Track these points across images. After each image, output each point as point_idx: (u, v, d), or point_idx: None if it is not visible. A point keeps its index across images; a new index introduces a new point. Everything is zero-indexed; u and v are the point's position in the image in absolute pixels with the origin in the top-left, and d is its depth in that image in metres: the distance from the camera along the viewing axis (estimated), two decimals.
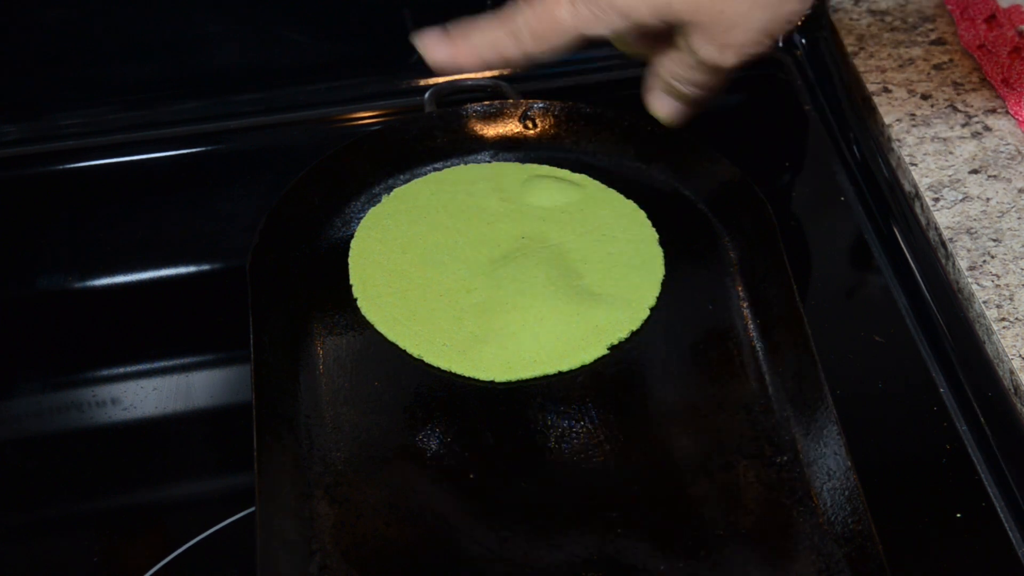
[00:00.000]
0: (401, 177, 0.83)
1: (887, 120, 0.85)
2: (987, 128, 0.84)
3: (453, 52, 0.67)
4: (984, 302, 0.73)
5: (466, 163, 0.84)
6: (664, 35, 0.65)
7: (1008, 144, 0.83)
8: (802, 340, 0.70)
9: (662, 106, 0.70)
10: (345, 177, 0.82)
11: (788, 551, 0.64)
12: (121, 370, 0.77)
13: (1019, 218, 0.78)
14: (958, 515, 0.67)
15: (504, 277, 0.76)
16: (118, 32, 0.90)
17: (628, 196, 0.82)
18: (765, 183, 0.85)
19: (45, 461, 0.73)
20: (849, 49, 0.90)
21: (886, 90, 0.87)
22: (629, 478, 0.67)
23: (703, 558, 0.64)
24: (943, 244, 0.78)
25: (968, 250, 0.76)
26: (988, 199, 0.79)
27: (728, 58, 0.64)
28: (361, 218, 0.81)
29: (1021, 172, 0.81)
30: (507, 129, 0.85)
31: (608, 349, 0.73)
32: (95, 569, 0.67)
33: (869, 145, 0.87)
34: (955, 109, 0.85)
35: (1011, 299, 0.73)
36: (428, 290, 0.76)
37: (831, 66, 0.92)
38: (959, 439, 0.71)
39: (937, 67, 0.89)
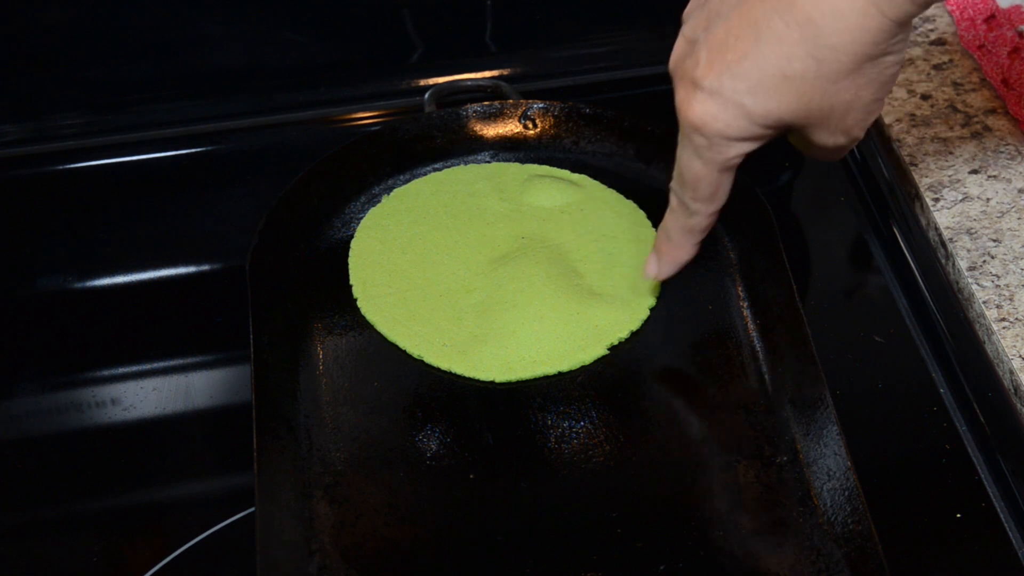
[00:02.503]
0: (401, 177, 0.83)
1: (887, 120, 0.85)
2: (987, 128, 0.84)
3: (671, 258, 0.71)
4: (984, 302, 0.73)
5: (466, 163, 0.84)
6: None
7: (1008, 144, 0.83)
8: (802, 340, 0.70)
9: None
10: (345, 177, 0.82)
11: (788, 551, 0.64)
12: (121, 370, 0.77)
13: (1019, 218, 0.78)
14: (958, 515, 0.67)
15: (504, 277, 0.76)
16: (118, 32, 0.90)
17: (628, 196, 0.82)
18: (765, 183, 0.85)
19: (45, 461, 0.73)
20: None
21: None
22: (629, 478, 0.67)
23: (703, 558, 0.64)
24: (943, 244, 0.78)
25: (968, 250, 0.76)
26: (988, 199, 0.79)
27: (855, 133, 0.65)
28: (361, 218, 0.81)
29: (1021, 172, 0.81)
30: (507, 129, 0.85)
31: (608, 349, 0.73)
32: (95, 569, 0.67)
33: (869, 145, 0.86)
34: (955, 109, 0.85)
35: (1011, 299, 0.73)
36: (428, 290, 0.76)
37: None
38: (959, 439, 0.71)
39: (937, 67, 0.89)
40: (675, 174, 0.67)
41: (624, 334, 0.74)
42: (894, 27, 0.59)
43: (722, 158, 0.64)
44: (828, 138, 0.64)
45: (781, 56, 0.60)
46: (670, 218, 0.69)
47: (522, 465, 0.68)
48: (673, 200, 0.68)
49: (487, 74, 0.93)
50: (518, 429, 0.70)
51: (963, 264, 0.76)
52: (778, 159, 0.89)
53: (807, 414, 0.68)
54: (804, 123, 0.63)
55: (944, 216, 0.78)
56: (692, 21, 0.64)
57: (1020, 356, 0.70)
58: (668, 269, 0.71)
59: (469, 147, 0.85)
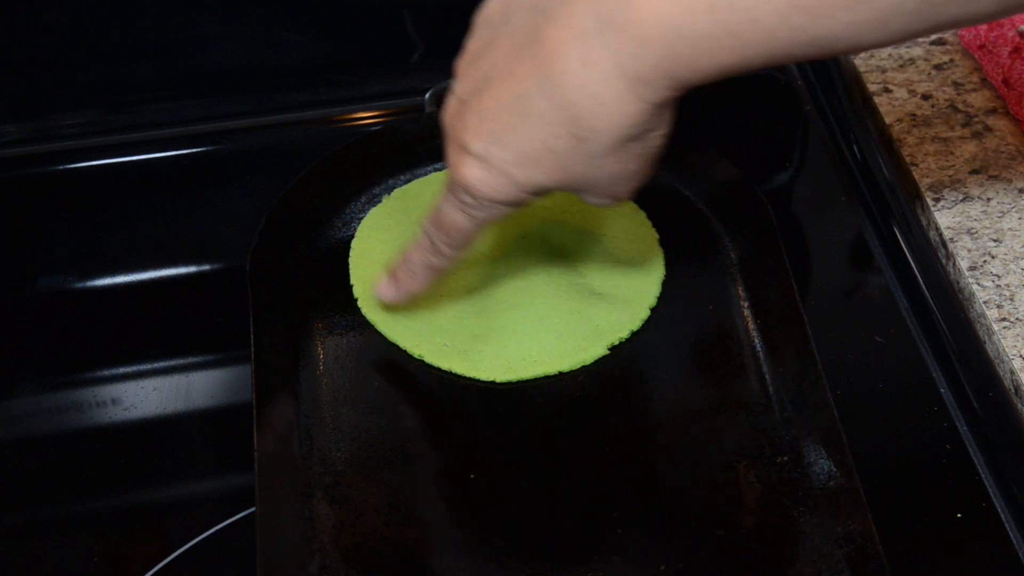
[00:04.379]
0: (401, 177, 0.83)
1: (887, 120, 0.85)
2: (987, 128, 0.84)
3: (408, 288, 0.71)
4: (984, 302, 0.73)
5: None
6: None
7: (1008, 144, 0.83)
8: (802, 340, 0.70)
9: None
10: (345, 177, 0.82)
11: (788, 551, 0.64)
12: (121, 370, 0.77)
13: (1020, 218, 0.78)
14: (958, 515, 0.67)
15: (504, 277, 0.76)
16: (118, 32, 0.90)
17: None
18: (765, 183, 0.85)
19: (45, 461, 0.73)
20: None
21: (886, 90, 0.87)
22: (629, 478, 0.67)
23: (703, 558, 0.64)
24: (943, 244, 0.78)
25: (969, 250, 0.76)
26: (989, 199, 0.79)
27: (622, 197, 0.66)
28: (361, 218, 0.81)
29: (1021, 172, 0.81)
30: None
31: (608, 349, 0.73)
32: (95, 569, 0.67)
33: (869, 145, 0.86)
34: (955, 109, 0.85)
35: (1011, 299, 0.73)
36: (428, 290, 0.76)
37: (831, 66, 0.92)
38: (959, 439, 0.71)
39: (937, 67, 0.89)
40: (432, 216, 0.67)
41: (624, 334, 0.74)
42: (654, 109, 0.60)
43: (486, 216, 0.65)
44: (595, 200, 0.66)
45: (546, 133, 0.61)
46: (416, 252, 0.70)
47: (522, 465, 0.68)
48: (423, 237, 0.69)
49: None
50: (518, 429, 0.70)
51: (964, 264, 0.76)
52: (778, 159, 0.89)
53: (807, 414, 0.68)
54: (570, 189, 0.64)
55: (945, 216, 0.78)
56: (463, 81, 0.64)
57: (1021, 356, 0.70)
58: (402, 298, 0.72)
59: None
